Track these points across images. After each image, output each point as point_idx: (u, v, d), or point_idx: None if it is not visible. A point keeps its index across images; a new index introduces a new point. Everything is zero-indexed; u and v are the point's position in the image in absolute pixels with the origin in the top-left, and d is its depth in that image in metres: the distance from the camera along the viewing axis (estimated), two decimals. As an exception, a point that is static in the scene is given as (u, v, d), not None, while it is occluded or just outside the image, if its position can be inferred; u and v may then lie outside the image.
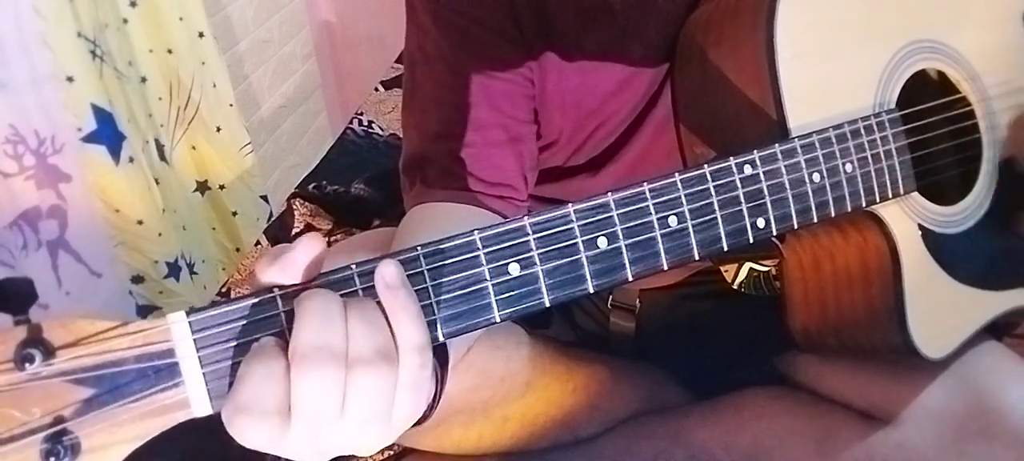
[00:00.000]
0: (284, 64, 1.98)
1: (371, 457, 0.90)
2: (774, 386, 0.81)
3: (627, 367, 0.89)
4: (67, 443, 0.37)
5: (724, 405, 0.82)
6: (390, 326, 0.41)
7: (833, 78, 0.64)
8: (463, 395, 0.80)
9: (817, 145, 0.59)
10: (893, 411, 0.72)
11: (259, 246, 1.36)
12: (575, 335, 0.95)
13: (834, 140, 0.60)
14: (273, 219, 1.46)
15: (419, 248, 0.45)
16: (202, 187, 1.58)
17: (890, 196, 0.63)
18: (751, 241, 0.55)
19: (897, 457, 0.71)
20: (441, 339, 0.45)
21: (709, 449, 0.80)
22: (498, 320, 0.46)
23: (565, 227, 0.48)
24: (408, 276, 0.43)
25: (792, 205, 0.57)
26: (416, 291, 0.43)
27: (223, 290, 1.27)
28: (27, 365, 0.37)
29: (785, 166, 0.57)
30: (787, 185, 0.57)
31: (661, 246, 0.51)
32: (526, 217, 0.47)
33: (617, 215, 0.49)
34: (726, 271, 0.78)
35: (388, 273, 0.41)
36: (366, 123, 1.61)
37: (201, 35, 1.49)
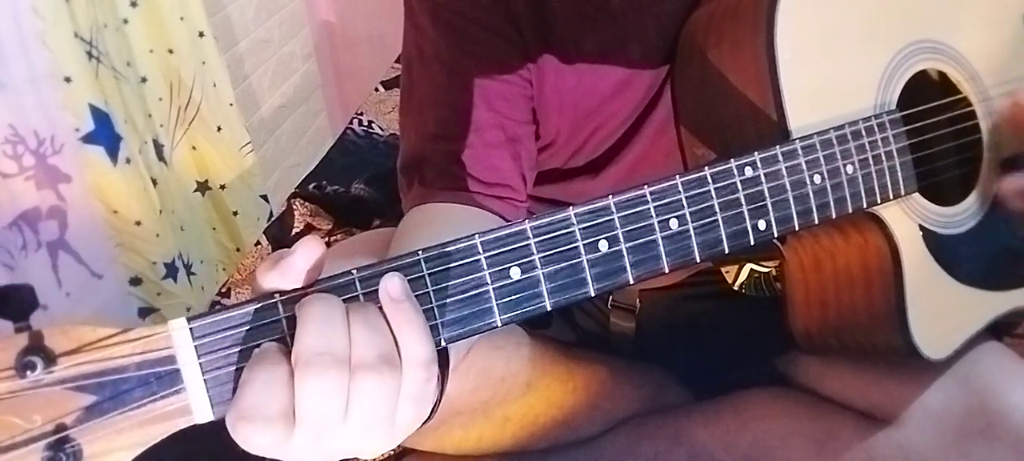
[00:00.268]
0: (284, 64, 1.98)
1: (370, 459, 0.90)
2: (775, 387, 0.81)
3: (627, 367, 0.89)
4: (69, 450, 0.37)
5: (725, 405, 0.82)
6: (393, 334, 0.41)
7: (834, 79, 0.64)
8: (463, 396, 0.80)
9: (818, 146, 0.59)
10: (894, 412, 0.72)
11: (259, 246, 1.36)
12: (575, 335, 0.95)
13: (835, 141, 0.60)
14: (273, 219, 1.46)
15: (420, 252, 0.44)
16: (203, 187, 1.58)
17: (891, 197, 0.63)
18: (752, 243, 0.55)
19: (898, 458, 0.71)
20: (443, 344, 0.45)
21: (709, 449, 0.80)
22: (500, 324, 0.46)
23: (566, 230, 0.48)
24: (409, 281, 0.43)
25: (793, 206, 0.57)
26: (417, 296, 0.43)
27: (223, 290, 1.27)
28: (28, 372, 0.37)
29: (786, 167, 0.57)
30: (788, 186, 0.57)
31: (662, 248, 0.51)
32: (527, 221, 0.47)
33: (618, 218, 0.49)
34: (727, 272, 0.78)
35: (392, 287, 0.41)
36: (366, 123, 1.61)
37: (201, 35, 1.49)
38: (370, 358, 0.39)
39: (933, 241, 0.67)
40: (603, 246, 0.49)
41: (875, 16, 0.67)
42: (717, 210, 0.54)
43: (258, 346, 0.40)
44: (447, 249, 0.45)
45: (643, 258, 0.50)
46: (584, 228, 0.48)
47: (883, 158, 0.63)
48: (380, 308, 0.41)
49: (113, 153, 1.26)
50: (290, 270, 0.41)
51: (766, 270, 0.76)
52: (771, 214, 0.56)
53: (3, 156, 1.14)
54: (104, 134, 1.25)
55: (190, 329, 0.39)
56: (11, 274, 1.07)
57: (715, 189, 0.53)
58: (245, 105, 1.78)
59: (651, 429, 0.84)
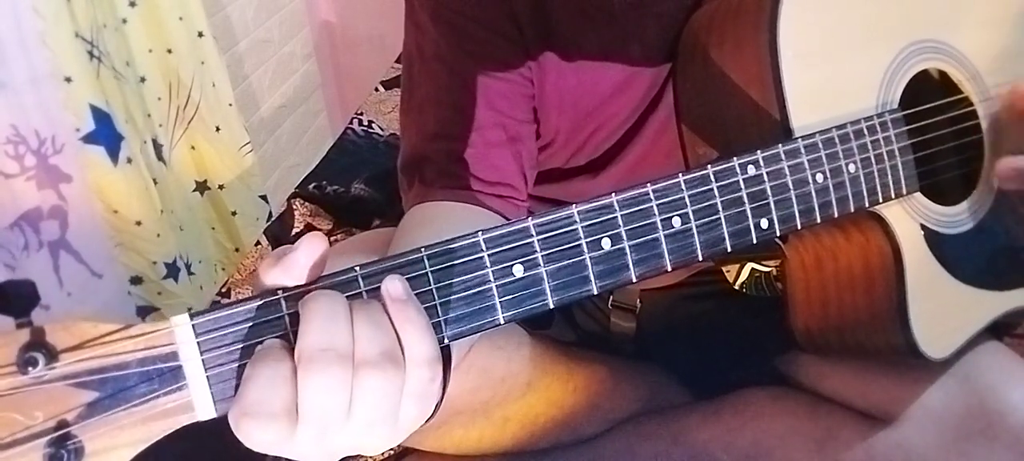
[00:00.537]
0: (284, 64, 1.98)
1: (372, 457, 0.90)
2: (775, 386, 0.81)
3: (628, 367, 0.89)
4: (70, 447, 0.37)
5: (725, 405, 0.82)
6: (397, 333, 0.41)
7: (836, 78, 0.64)
8: (464, 396, 0.80)
9: (820, 145, 0.59)
10: (894, 411, 0.72)
11: (259, 246, 1.36)
12: (576, 335, 0.95)
13: (837, 140, 0.60)
14: (273, 219, 1.45)
15: (423, 250, 0.44)
16: (201, 187, 1.58)
17: (892, 196, 0.63)
18: (754, 241, 0.55)
19: (898, 457, 0.71)
20: (446, 341, 0.45)
21: (710, 449, 0.80)
22: (502, 322, 0.46)
23: (569, 228, 0.48)
24: (412, 278, 0.43)
25: (795, 205, 0.57)
26: (420, 293, 0.43)
27: (223, 290, 1.27)
28: (30, 368, 0.36)
29: (788, 166, 0.57)
30: (790, 185, 0.57)
31: (665, 247, 0.51)
32: (530, 218, 0.47)
33: (621, 216, 0.49)
34: (728, 271, 0.78)
35: (393, 288, 0.41)
36: (366, 123, 1.61)
37: (200, 35, 1.49)
38: (373, 355, 0.39)
39: (934, 240, 0.67)
40: (606, 244, 0.49)
41: (876, 16, 0.67)
42: (719, 208, 0.53)
43: (261, 343, 0.40)
44: (450, 246, 0.45)
45: (646, 256, 0.50)
46: (587, 226, 0.48)
47: (885, 157, 0.63)
48: (384, 305, 0.41)
49: (114, 153, 1.26)
50: (293, 266, 0.41)
51: (767, 269, 0.76)
52: (773, 213, 0.56)
53: (4, 156, 1.14)
54: (105, 134, 1.24)
55: (193, 325, 0.39)
56: (12, 274, 1.06)
57: (718, 187, 0.53)
58: (245, 105, 1.78)
59: (651, 429, 0.84)
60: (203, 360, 0.39)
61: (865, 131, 0.62)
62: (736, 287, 0.79)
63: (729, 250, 0.54)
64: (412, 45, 0.76)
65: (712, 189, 0.53)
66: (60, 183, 1.22)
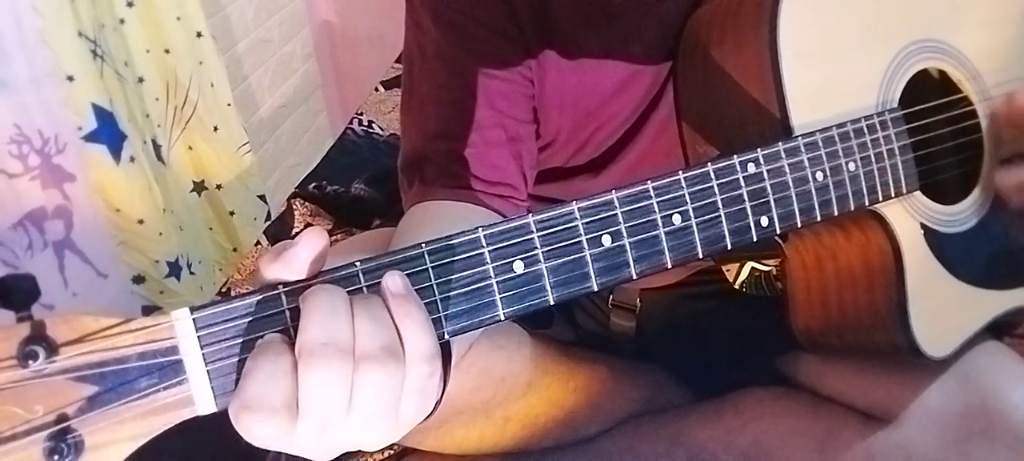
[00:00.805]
0: (284, 64, 1.98)
1: (372, 456, 0.90)
2: (775, 386, 0.81)
3: (628, 367, 0.89)
4: (70, 441, 0.37)
5: (725, 405, 0.82)
6: (397, 328, 0.41)
7: (836, 77, 0.64)
8: (464, 396, 0.80)
9: (820, 144, 0.59)
10: (894, 411, 0.72)
11: (259, 246, 1.36)
12: (576, 335, 0.95)
13: (837, 139, 0.60)
14: (273, 219, 1.45)
15: (424, 246, 0.44)
16: (199, 187, 1.58)
17: (892, 195, 0.63)
18: (754, 239, 0.55)
19: (898, 457, 0.71)
20: (446, 337, 0.45)
21: (710, 449, 0.80)
22: (503, 318, 0.46)
23: (569, 225, 0.48)
24: (413, 274, 0.43)
25: (795, 203, 0.57)
26: (421, 289, 0.43)
27: (223, 290, 1.27)
28: (30, 362, 0.36)
29: (788, 164, 0.57)
30: (790, 183, 0.57)
31: (665, 244, 0.51)
32: (530, 215, 0.47)
33: (621, 213, 0.49)
34: (728, 271, 0.78)
35: (393, 284, 0.41)
36: (366, 123, 1.61)
37: (199, 35, 1.49)
38: (374, 349, 0.39)
39: (934, 239, 0.67)
40: (606, 240, 0.49)
41: (876, 16, 0.67)
42: (720, 206, 0.54)
43: (261, 337, 0.40)
44: (451, 242, 0.45)
45: (646, 253, 0.50)
46: (587, 222, 0.48)
47: (885, 156, 0.63)
48: (384, 301, 0.41)
49: (116, 152, 1.26)
50: (293, 261, 0.41)
51: (767, 269, 0.76)
52: (774, 210, 0.56)
53: (8, 156, 1.14)
54: (107, 133, 1.24)
55: (193, 319, 0.39)
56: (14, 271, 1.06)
57: (718, 185, 0.53)
58: (245, 105, 1.78)
59: (651, 429, 0.84)
60: (203, 354, 0.39)
61: (865, 130, 0.62)
62: (736, 286, 0.79)
63: (729, 248, 0.54)
64: (413, 44, 0.76)
65: (712, 187, 0.53)
66: (64, 183, 1.22)
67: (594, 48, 0.73)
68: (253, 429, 0.38)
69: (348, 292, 0.41)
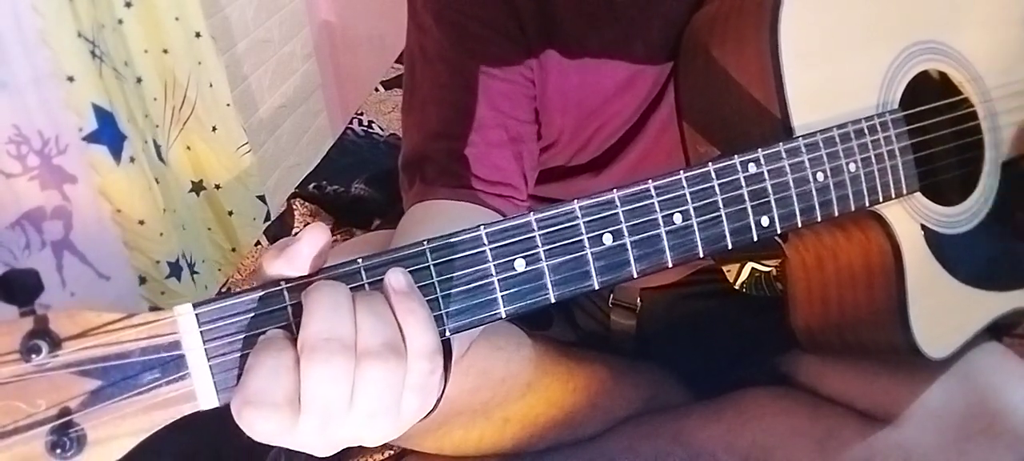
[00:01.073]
0: (284, 64, 1.98)
1: (372, 457, 0.90)
2: (775, 386, 0.81)
3: (628, 367, 0.89)
4: (73, 435, 0.37)
5: (725, 405, 0.82)
6: (399, 324, 0.41)
7: (837, 78, 0.64)
8: (464, 396, 0.79)
9: (821, 144, 0.59)
10: (894, 411, 0.72)
11: (259, 246, 1.36)
12: (576, 335, 0.95)
13: (838, 139, 0.60)
14: (273, 219, 1.45)
15: (425, 243, 0.44)
16: (197, 187, 1.58)
17: (893, 196, 0.64)
18: (755, 239, 0.56)
19: (898, 457, 0.71)
20: (448, 335, 0.45)
21: (710, 449, 0.80)
22: (504, 316, 0.46)
23: (570, 223, 0.48)
24: (414, 271, 0.44)
25: (796, 204, 0.58)
26: (422, 286, 0.43)
27: (223, 291, 1.27)
28: (33, 356, 0.36)
29: (789, 165, 0.57)
30: (791, 184, 0.57)
31: (666, 243, 0.51)
32: (532, 213, 0.47)
33: (622, 212, 0.49)
34: (728, 271, 0.78)
35: (396, 280, 0.42)
36: (366, 123, 1.61)
37: (198, 35, 1.49)
38: (376, 345, 0.39)
39: (934, 240, 0.67)
40: (607, 239, 0.49)
41: (877, 17, 0.67)
42: (720, 205, 0.54)
43: (263, 333, 0.40)
44: (452, 240, 0.45)
45: (647, 252, 0.50)
46: (589, 221, 0.48)
47: (885, 157, 0.63)
48: (386, 297, 0.41)
49: (116, 152, 1.26)
50: (296, 257, 0.41)
51: (767, 269, 0.76)
52: (774, 210, 0.56)
53: (7, 156, 1.14)
54: (107, 133, 1.24)
55: (196, 315, 0.39)
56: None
57: (719, 184, 0.54)
58: (244, 105, 1.78)
59: (651, 429, 0.84)
60: (206, 349, 0.39)
61: (866, 130, 0.62)
62: (736, 287, 0.79)
63: (730, 247, 0.54)
64: (414, 45, 0.76)
65: (713, 186, 0.53)
66: (64, 184, 1.22)
67: (596, 48, 0.73)
68: (255, 424, 0.38)
69: (350, 289, 0.41)
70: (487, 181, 0.71)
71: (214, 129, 1.55)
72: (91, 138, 1.23)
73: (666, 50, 0.73)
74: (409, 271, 0.43)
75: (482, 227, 0.46)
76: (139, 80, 1.40)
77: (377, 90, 1.74)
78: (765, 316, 0.80)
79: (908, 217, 0.66)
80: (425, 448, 0.87)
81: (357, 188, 1.33)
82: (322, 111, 2.19)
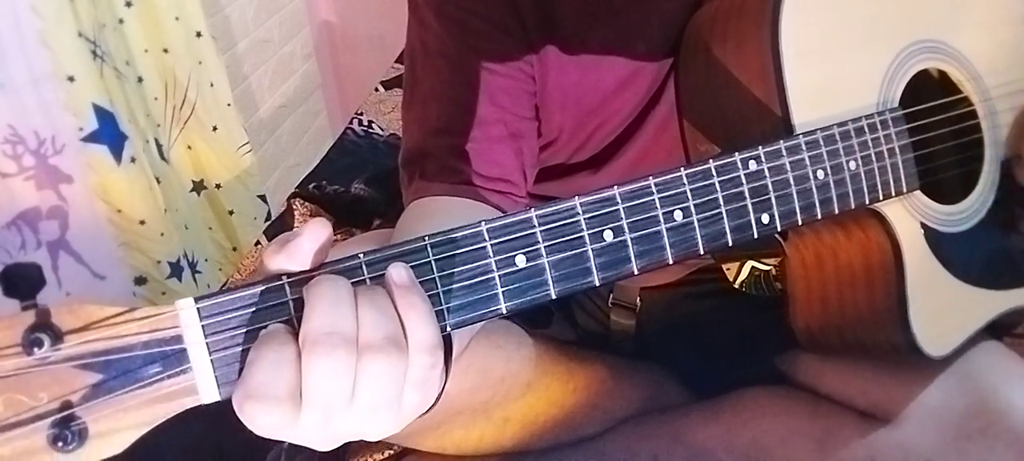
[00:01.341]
0: (284, 64, 1.98)
1: (372, 458, 0.90)
2: (775, 386, 0.81)
3: (628, 366, 0.89)
4: (74, 428, 0.37)
5: (724, 405, 0.82)
6: (400, 318, 0.41)
7: (837, 77, 0.64)
8: (464, 396, 0.79)
9: (821, 142, 0.59)
10: (894, 410, 0.72)
11: (259, 246, 1.36)
12: (576, 334, 0.95)
13: (838, 137, 0.60)
14: (273, 219, 1.45)
15: (427, 238, 0.45)
16: (198, 187, 1.58)
17: (893, 194, 0.64)
18: (755, 236, 0.56)
19: (898, 456, 0.71)
20: (448, 330, 0.45)
21: (709, 448, 0.80)
22: (504, 311, 0.46)
23: (571, 219, 0.48)
24: (416, 266, 0.44)
25: (796, 201, 0.58)
26: (423, 281, 0.44)
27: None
28: (35, 350, 0.36)
29: (790, 163, 0.57)
30: (791, 181, 0.58)
31: (666, 240, 0.51)
32: (533, 209, 0.47)
33: (623, 208, 0.50)
34: (728, 270, 0.79)
35: (398, 274, 0.42)
36: (366, 123, 1.61)
37: (198, 35, 1.49)
38: (377, 339, 0.39)
39: (934, 239, 0.67)
40: (608, 236, 0.49)
41: (878, 15, 0.67)
42: (721, 203, 0.54)
43: (265, 327, 0.40)
44: (453, 236, 0.45)
45: (647, 249, 0.50)
46: (589, 217, 0.49)
47: (885, 155, 0.63)
48: (388, 291, 0.41)
49: (117, 152, 1.26)
50: (297, 252, 0.41)
51: (767, 268, 0.76)
52: (774, 208, 0.57)
53: (2, 156, 1.14)
54: (108, 133, 1.24)
55: (197, 309, 0.39)
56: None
57: (719, 182, 0.54)
58: (245, 105, 1.78)
59: (651, 429, 0.84)
60: (207, 343, 0.40)
61: (866, 129, 0.62)
62: (736, 286, 0.79)
63: (730, 244, 0.54)
64: (415, 40, 0.76)
65: (714, 183, 0.53)
66: (60, 184, 1.22)
67: (596, 45, 0.73)
68: (257, 418, 0.38)
69: (351, 284, 0.41)
70: (487, 177, 0.71)
71: (215, 129, 1.55)
72: (92, 138, 1.23)
73: (666, 47, 0.73)
74: (410, 266, 0.43)
75: (483, 223, 0.46)
76: (140, 80, 1.40)
77: (377, 90, 1.74)
78: (764, 315, 0.80)
79: (908, 216, 0.66)
80: (425, 447, 0.87)
81: (357, 188, 1.33)
82: (322, 111, 2.19)
